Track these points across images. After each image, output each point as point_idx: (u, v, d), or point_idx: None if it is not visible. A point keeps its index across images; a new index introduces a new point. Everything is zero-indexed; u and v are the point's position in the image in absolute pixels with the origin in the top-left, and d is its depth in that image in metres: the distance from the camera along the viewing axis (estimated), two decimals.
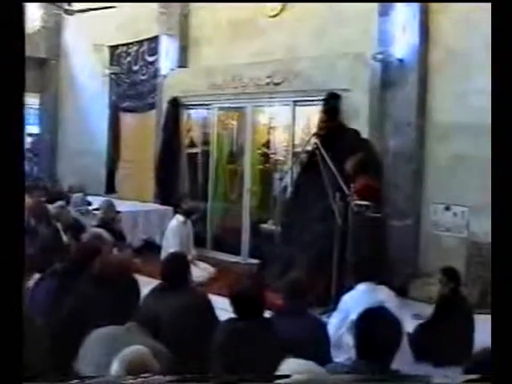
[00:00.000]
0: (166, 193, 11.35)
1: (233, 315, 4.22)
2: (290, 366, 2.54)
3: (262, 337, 3.79)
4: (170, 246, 8.73)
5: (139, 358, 2.91)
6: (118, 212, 9.26)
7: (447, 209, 8.10)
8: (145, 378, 2.66)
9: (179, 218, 9.00)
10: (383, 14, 8.59)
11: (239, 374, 3.61)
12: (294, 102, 9.48)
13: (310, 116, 9.23)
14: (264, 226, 10.10)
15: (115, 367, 2.86)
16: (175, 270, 5.03)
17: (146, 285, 5.40)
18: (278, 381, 2.39)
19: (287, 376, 2.41)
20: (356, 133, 8.26)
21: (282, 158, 10.33)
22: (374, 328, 3.08)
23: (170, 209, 10.86)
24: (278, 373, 2.51)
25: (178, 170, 11.38)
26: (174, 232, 8.87)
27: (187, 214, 9.08)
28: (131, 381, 2.60)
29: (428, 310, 5.97)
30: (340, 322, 5.31)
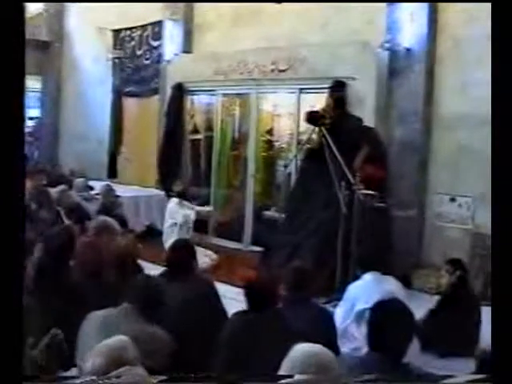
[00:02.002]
0: (169, 178, 11.30)
1: (237, 304, 4.20)
2: (300, 351, 2.50)
3: (274, 329, 3.76)
4: (168, 228, 8.79)
5: (118, 350, 2.82)
6: (118, 196, 9.22)
7: (452, 200, 8.08)
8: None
9: (174, 200, 9.03)
10: (391, 2, 8.53)
11: (247, 368, 3.60)
12: (300, 89, 9.42)
13: (315, 104, 9.15)
14: (267, 213, 10.07)
15: (94, 360, 2.76)
16: (181, 257, 5.00)
17: (149, 270, 5.41)
18: (282, 381, 2.36)
19: (290, 376, 2.38)
20: (360, 121, 8.22)
21: (286, 146, 10.29)
22: (389, 320, 3.05)
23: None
24: (288, 358, 2.48)
25: (181, 156, 11.34)
26: (168, 215, 8.92)
27: (180, 196, 9.10)
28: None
29: (430, 300, 5.98)
30: (346, 312, 5.30)
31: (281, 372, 2.44)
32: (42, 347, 3.62)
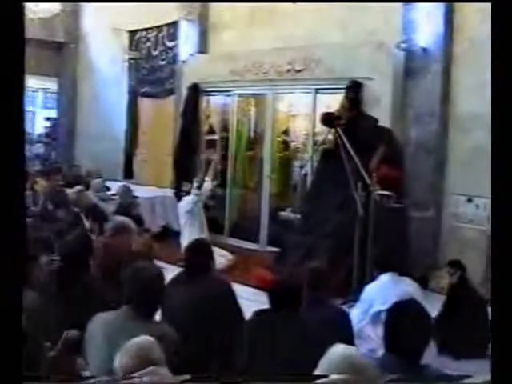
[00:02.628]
0: (184, 179, 11.33)
1: (252, 304, 4.20)
2: (337, 353, 2.50)
3: (294, 329, 3.76)
4: (186, 228, 8.84)
5: (144, 350, 2.84)
6: (136, 197, 9.25)
7: (469, 200, 8.04)
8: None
9: (188, 198, 9.07)
10: (406, 2, 8.51)
11: (267, 366, 3.60)
12: (316, 89, 9.41)
13: (331, 104, 9.14)
14: (283, 213, 10.07)
15: (119, 360, 2.80)
16: (198, 257, 5.00)
17: (165, 271, 5.42)
18: (318, 381, 2.36)
19: (325, 376, 2.37)
20: (375, 121, 8.20)
21: (301, 146, 10.28)
22: (406, 321, 3.04)
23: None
24: (325, 359, 2.48)
25: (197, 157, 11.35)
26: (185, 214, 8.98)
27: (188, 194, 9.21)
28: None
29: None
30: (362, 313, 5.29)
31: (317, 372, 2.45)
32: (59, 347, 3.64)
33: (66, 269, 4.75)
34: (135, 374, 2.67)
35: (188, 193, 9.21)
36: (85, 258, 5.08)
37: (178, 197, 9.95)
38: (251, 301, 4.79)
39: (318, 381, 2.34)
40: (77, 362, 3.77)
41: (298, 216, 8.88)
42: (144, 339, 2.97)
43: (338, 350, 2.52)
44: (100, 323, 3.72)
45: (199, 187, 9.16)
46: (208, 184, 9.57)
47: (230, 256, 8.88)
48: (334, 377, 2.35)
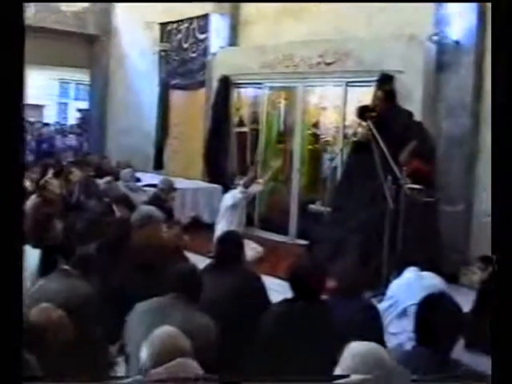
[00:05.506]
0: (215, 171, 11.40)
1: (281, 296, 4.21)
2: (357, 348, 2.50)
3: (318, 320, 3.78)
4: (223, 222, 8.84)
5: (169, 341, 2.86)
6: (174, 188, 9.19)
7: None
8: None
9: (233, 193, 9.07)
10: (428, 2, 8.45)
11: (288, 357, 3.61)
12: (346, 82, 9.39)
13: (362, 97, 9.11)
14: (312, 206, 10.06)
15: (145, 352, 2.81)
16: (229, 249, 5.03)
17: (195, 262, 5.46)
18: (339, 381, 2.36)
19: (346, 376, 2.37)
20: (410, 115, 8.14)
21: (331, 139, 10.26)
22: (438, 314, 3.06)
23: (217, 187, 10.92)
24: (346, 357, 2.47)
25: (227, 149, 11.39)
26: (227, 208, 8.96)
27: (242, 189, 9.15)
28: None
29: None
30: (389, 308, 5.28)
31: (338, 370, 2.44)
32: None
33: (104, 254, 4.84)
34: (161, 368, 2.68)
35: (234, 187, 9.21)
36: (122, 244, 5.17)
37: (225, 188, 9.89)
38: (280, 292, 4.80)
39: (341, 380, 2.33)
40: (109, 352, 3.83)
41: (328, 209, 8.87)
42: (170, 330, 2.98)
43: (361, 346, 2.51)
44: (142, 312, 3.77)
45: (247, 186, 9.14)
46: (258, 187, 9.55)
47: (259, 248, 8.90)
48: (355, 377, 2.33)
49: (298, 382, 2.71)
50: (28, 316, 3.28)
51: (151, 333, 2.93)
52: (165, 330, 2.95)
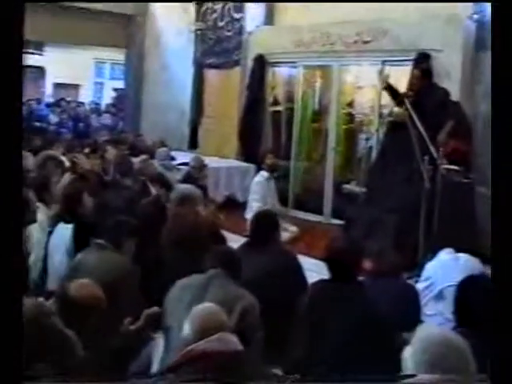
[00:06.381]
0: (249, 150, 11.40)
1: (317, 276, 4.20)
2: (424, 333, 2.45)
3: (355, 300, 3.77)
4: (254, 201, 8.85)
5: (210, 317, 2.90)
6: (206, 166, 9.24)
7: None
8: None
9: (263, 174, 9.08)
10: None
11: (323, 335, 3.61)
12: (383, 61, 9.28)
13: (398, 76, 9.01)
14: (347, 186, 10.01)
15: (187, 327, 2.86)
16: (264, 227, 5.04)
17: (229, 241, 5.49)
18: (405, 380, 2.31)
19: (412, 376, 2.32)
20: (446, 93, 8.03)
21: (367, 118, 10.18)
22: (478, 294, 3.05)
23: (252, 166, 10.94)
24: (416, 342, 2.42)
25: (262, 128, 11.38)
26: (257, 188, 8.97)
27: (271, 170, 9.15)
28: None
29: None
30: (424, 289, 5.25)
31: (406, 354, 2.39)
32: (141, 323, 3.71)
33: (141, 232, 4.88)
34: (203, 341, 2.72)
35: (270, 168, 9.25)
36: (158, 223, 5.21)
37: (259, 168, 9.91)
38: (316, 272, 4.80)
39: (407, 380, 2.28)
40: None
41: (363, 189, 8.83)
42: (211, 306, 3.02)
43: (432, 330, 2.46)
44: (183, 288, 3.80)
45: (271, 170, 9.20)
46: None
47: (293, 228, 8.90)
48: (422, 376, 2.28)
49: (361, 382, 2.69)
50: (68, 290, 3.33)
51: (192, 309, 2.96)
52: (206, 306, 2.99)
